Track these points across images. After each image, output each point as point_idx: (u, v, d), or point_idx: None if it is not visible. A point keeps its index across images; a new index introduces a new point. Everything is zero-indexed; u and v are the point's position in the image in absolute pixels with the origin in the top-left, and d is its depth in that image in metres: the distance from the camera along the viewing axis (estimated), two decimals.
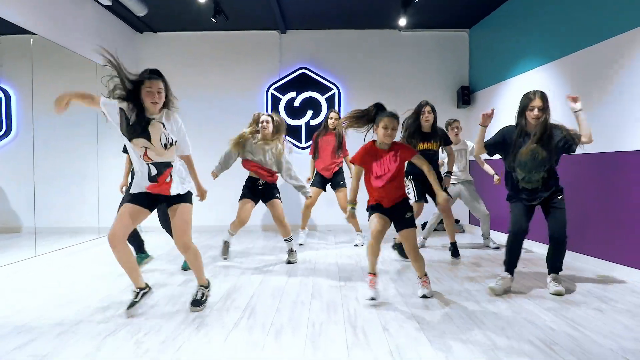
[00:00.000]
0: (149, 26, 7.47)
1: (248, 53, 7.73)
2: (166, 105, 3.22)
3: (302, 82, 7.73)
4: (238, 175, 5.21)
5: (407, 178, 4.98)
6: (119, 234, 3.07)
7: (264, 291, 3.80)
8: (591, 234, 4.67)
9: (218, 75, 7.72)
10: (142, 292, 3.26)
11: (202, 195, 3.63)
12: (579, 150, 4.71)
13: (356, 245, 5.94)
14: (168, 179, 3.20)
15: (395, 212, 3.55)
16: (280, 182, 5.12)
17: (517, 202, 3.80)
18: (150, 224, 4.27)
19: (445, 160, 5.40)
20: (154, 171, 3.16)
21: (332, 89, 7.71)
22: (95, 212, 6.51)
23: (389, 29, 7.62)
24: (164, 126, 3.16)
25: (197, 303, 3.30)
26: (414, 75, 7.73)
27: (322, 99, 7.72)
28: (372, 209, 3.58)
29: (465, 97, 7.47)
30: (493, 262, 4.90)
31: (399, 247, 5.03)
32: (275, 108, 7.71)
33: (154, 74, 3.16)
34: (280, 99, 7.73)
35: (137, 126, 3.07)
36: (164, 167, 3.18)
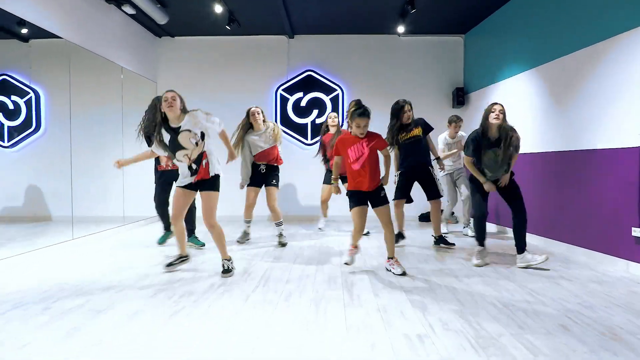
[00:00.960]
0: (167, 31, 8.10)
1: (258, 56, 8.35)
2: (183, 110, 3.97)
3: (308, 84, 8.35)
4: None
5: (396, 174, 5.51)
6: (177, 214, 4.12)
7: (275, 268, 4.43)
8: (560, 221, 5.27)
9: (230, 77, 8.35)
10: (181, 259, 4.26)
11: (232, 157, 4.58)
12: (554, 148, 5.32)
13: (319, 229, 6.70)
14: (204, 164, 3.96)
15: (371, 194, 4.21)
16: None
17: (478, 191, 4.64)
18: None
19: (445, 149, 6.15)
20: (194, 166, 3.90)
21: (336, 90, 8.32)
22: (121, 203, 7.16)
23: (389, 34, 8.21)
24: (189, 131, 3.85)
25: (226, 272, 4.11)
26: (412, 77, 8.32)
27: (327, 99, 8.33)
28: (351, 195, 4.26)
29: (460, 97, 8.04)
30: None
31: (438, 240, 5.61)
32: (283, 107, 8.34)
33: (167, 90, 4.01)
34: (288, 99, 8.35)
35: (172, 143, 3.90)
36: (200, 158, 3.96)
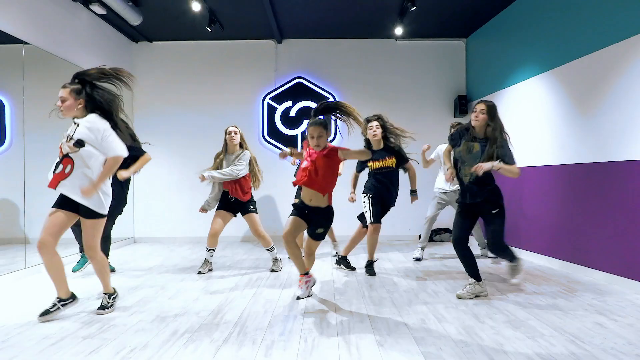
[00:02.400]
0: (144, 35, 7.43)
1: (243, 62, 7.69)
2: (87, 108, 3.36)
3: (298, 92, 7.68)
4: None
5: (364, 195, 4.87)
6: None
7: (255, 304, 3.70)
8: (589, 244, 4.59)
9: (213, 85, 7.68)
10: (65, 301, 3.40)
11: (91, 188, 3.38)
12: (577, 160, 4.67)
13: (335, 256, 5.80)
14: (66, 170, 3.32)
15: (314, 218, 3.68)
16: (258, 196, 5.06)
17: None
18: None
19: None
20: (58, 165, 3.33)
21: (329, 98, 7.65)
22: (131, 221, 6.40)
23: (385, 38, 7.59)
24: (78, 125, 3.30)
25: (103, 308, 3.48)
26: (410, 84, 7.69)
27: None
28: (293, 206, 3.87)
29: (462, 106, 7.42)
30: (492, 273, 4.81)
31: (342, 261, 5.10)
32: (271, 117, 7.66)
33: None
34: (276, 108, 7.68)
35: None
36: (62, 160, 3.34)
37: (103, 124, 3.27)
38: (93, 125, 3.25)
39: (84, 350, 2.71)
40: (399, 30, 6.86)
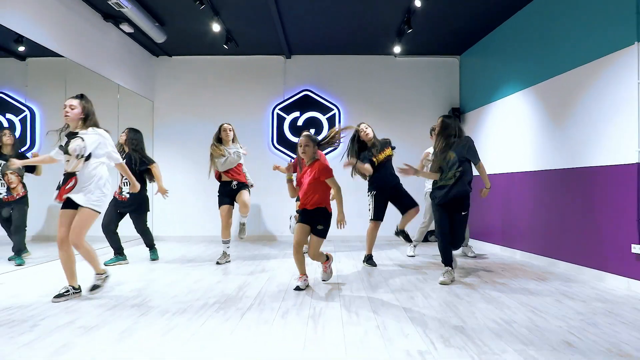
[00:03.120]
0: (165, 51, 8.13)
1: (255, 76, 8.39)
2: (86, 121, 3.86)
3: (305, 103, 8.37)
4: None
5: (369, 193, 5.47)
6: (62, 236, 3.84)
7: (271, 285, 4.33)
8: (560, 240, 5.22)
9: (227, 96, 8.37)
10: (74, 291, 3.87)
11: (134, 188, 4.52)
12: (552, 165, 5.31)
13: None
14: (72, 182, 3.82)
15: (313, 217, 4.17)
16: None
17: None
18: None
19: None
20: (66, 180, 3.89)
21: (333, 110, 8.33)
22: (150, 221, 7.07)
23: (385, 54, 8.27)
24: (82, 139, 3.78)
25: (95, 288, 3.99)
26: (408, 97, 8.36)
27: (323, 118, 8.34)
28: (298, 212, 4.36)
29: (456, 117, 8.06)
30: (478, 269, 5.43)
31: (402, 233, 5.64)
32: (280, 126, 8.33)
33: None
34: (285, 118, 8.35)
35: (64, 147, 3.82)
36: (71, 175, 3.83)
37: (107, 135, 3.93)
38: (102, 138, 3.86)
39: (134, 314, 3.35)
40: (397, 49, 7.54)
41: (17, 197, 5.35)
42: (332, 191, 4.23)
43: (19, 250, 5.19)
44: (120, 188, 5.62)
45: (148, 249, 5.97)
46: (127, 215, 5.73)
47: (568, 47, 5.18)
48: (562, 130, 5.30)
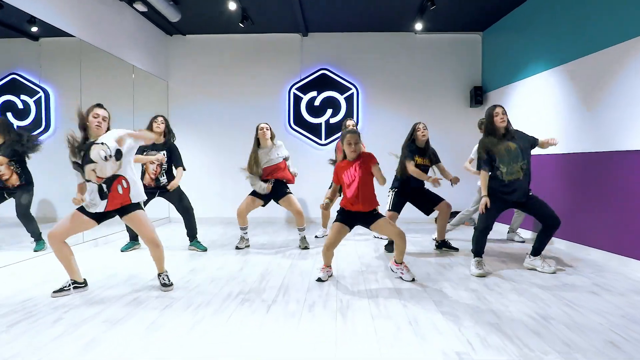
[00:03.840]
0: (179, 30, 7.94)
1: (271, 55, 8.18)
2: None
3: (322, 83, 8.16)
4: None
5: (390, 190, 5.31)
6: (62, 236, 3.60)
7: (293, 274, 4.25)
8: (590, 226, 5.05)
9: (243, 76, 8.19)
10: (75, 285, 3.68)
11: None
12: (582, 149, 5.12)
13: (316, 237, 6.35)
14: (122, 188, 3.61)
15: (363, 216, 3.99)
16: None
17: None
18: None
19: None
20: (105, 188, 3.58)
21: (351, 89, 8.13)
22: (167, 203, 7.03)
23: (405, 31, 8.00)
24: (102, 143, 3.46)
25: (165, 285, 3.77)
26: (428, 76, 8.12)
27: (341, 98, 8.15)
28: (340, 211, 4.07)
29: (478, 97, 7.83)
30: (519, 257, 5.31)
31: (443, 245, 5.42)
32: (297, 107, 8.17)
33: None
34: (302, 98, 8.17)
35: (83, 159, 3.51)
36: (112, 180, 3.57)
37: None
38: (118, 133, 3.53)
39: (158, 307, 3.29)
40: (419, 26, 7.28)
41: (12, 187, 5.24)
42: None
43: (37, 236, 5.14)
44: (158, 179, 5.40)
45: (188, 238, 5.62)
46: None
47: (602, 24, 4.92)
48: (593, 112, 5.07)
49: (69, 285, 3.63)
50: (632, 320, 3.01)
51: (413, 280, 3.99)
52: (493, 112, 4.33)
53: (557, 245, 5.61)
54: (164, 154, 5.30)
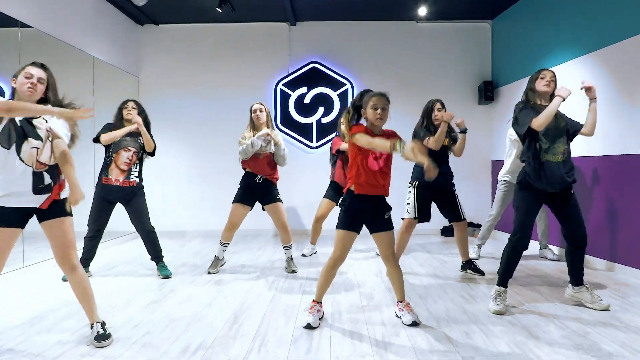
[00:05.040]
0: (150, 18, 7.03)
1: (255, 46, 7.28)
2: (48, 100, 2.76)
3: (313, 77, 7.26)
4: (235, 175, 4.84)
5: (411, 184, 4.39)
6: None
7: (275, 312, 3.33)
8: (633, 242, 4.19)
9: (224, 70, 7.28)
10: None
11: (75, 199, 2.74)
12: (624, 150, 4.27)
13: (303, 255, 5.41)
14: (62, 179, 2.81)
15: (374, 209, 3.05)
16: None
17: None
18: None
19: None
20: (47, 178, 2.71)
21: (345, 85, 7.24)
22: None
23: (405, 19, 7.14)
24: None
25: (100, 338, 2.73)
26: (432, 69, 7.25)
27: (334, 95, 7.25)
28: (348, 208, 3.05)
29: (488, 92, 6.98)
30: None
31: (468, 265, 4.47)
32: (285, 105, 7.27)
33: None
34: (290, 95, 7.27)
35: (19, 130, 2.66)
36: (55, 170, 2.77)
37: None
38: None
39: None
40: (422, 11, 6.42)
41: None
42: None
43: None
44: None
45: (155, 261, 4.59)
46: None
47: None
48: (634, 107, 4.22)
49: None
50: None
51: (414, 324, 3.03)
52: (539, 75, 3.41)
53: (593, 263, 4.73)
54: (139, 140, 4.39)
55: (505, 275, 3.40)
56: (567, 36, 5.30)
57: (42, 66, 2.77)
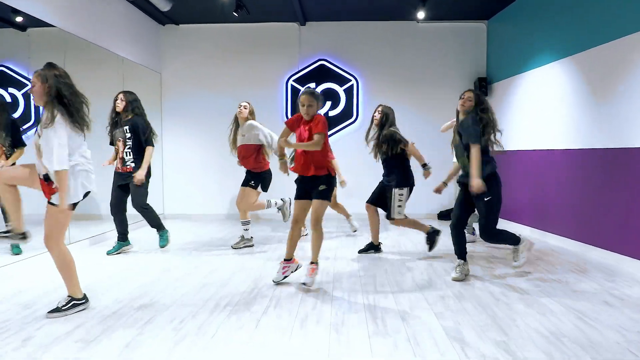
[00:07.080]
0: (171, 19, 7.64)
1: (268, 45, 7.88)
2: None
3: (321, 74, 7.87)
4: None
5: (402, 189, 4.83)
6: None
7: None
8: (600, 225, 4.80)
9: (238, 67, 7.89)
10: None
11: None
12: (592, 145, 4.84)
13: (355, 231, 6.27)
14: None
15: (313, 182, 3.82)
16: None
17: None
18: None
19: None
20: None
21: (351, 80, 7.84)
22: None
23: (407, 20, 7.69)
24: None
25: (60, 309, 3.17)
26: (431, 66, 7.81)
27: (340, 90, 7.86)
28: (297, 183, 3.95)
29: (482, 88, 7.53)
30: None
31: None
32: (295, 99, 7.88)
33: None
34: (300, 90, 7.88)
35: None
36: None
37: None
38: None
39: (139, 322, 3.05)
40: (421, 14, 6.96)
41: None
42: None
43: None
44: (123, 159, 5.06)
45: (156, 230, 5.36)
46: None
47: (616, 12, 4.62)
48: (605, 106, 4.79)
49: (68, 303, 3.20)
50: None
51: (303, 284, 3.77)
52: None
53: (563, 245, 5.36)
54: (126, 130, 4.98)
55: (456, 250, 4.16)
56: (551, 39, 5.83)
57: (35, 71, 3.03)
